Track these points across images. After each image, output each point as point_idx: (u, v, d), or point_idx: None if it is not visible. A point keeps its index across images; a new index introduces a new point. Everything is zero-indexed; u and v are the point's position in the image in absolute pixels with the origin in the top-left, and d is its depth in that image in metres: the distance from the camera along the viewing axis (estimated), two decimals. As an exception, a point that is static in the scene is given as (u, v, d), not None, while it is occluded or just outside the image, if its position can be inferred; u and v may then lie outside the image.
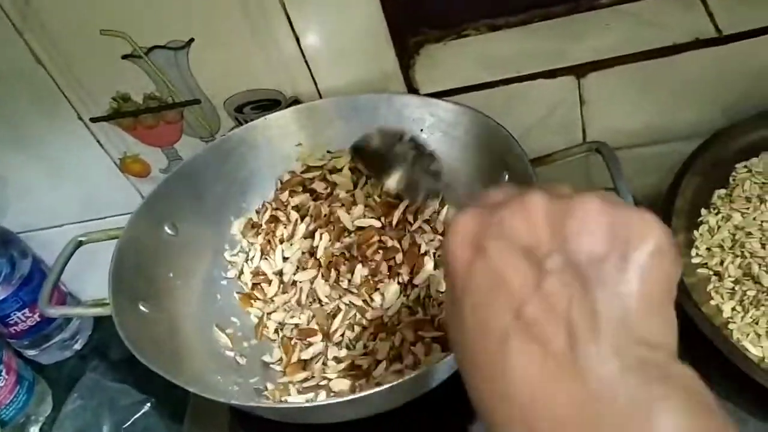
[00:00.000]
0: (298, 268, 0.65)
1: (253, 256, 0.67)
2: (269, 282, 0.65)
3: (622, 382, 0.26)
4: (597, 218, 0.29)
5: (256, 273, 0.66)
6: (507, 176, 0.59)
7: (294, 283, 0.65)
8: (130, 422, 0.75)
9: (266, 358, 0.62)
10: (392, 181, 0.60)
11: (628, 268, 0.28)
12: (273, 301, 0.65)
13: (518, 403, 0.27)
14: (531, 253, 0.28)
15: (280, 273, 0.66)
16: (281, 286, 0.65)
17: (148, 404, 0.76)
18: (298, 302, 0.63)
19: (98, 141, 0.74)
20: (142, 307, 0.57)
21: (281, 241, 0.66)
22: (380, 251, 0.62)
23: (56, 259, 0.63)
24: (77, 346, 0.86)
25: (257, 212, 0.69)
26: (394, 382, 0.45)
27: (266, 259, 0.67)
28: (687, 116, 0.70)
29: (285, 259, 0.66)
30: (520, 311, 0.27)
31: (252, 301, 0.65)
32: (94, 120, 0.72)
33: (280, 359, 0.61)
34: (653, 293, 0.28)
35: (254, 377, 0.60)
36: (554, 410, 0.26)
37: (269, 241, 0.66)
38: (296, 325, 0.62)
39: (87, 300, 0.91)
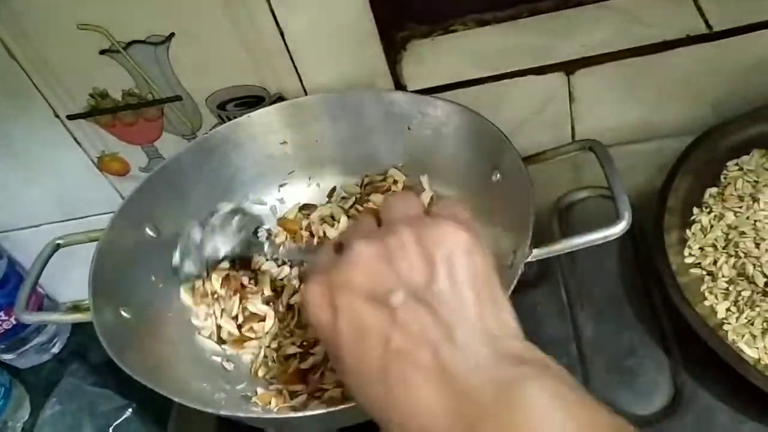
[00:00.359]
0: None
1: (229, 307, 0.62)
2: (262, 318, 0.61)
3: (485, 374, 0.30)
4: (412, 247, 0.34)
5: (243, 315, 0.62)
6: (499, 175, 0.58)
7: (290, 307, 0.62)
8: (111, 428, 0.73)
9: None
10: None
11: (453, 276, 0.33)
12: (267, 334, 0.61)
13: (412, 423, 0.31)
14: (376, 295, 0.33)
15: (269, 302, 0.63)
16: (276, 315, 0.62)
17: (130, 409, 0.74)
18: (298, 326, 0.60)
19: (75, 139, 0.71)
20: (123, 313, 0.56)
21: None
22: None
23: (33, 262, 0.61)
24: (55, 350, 0.84)
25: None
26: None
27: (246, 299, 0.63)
28: (677, 113, 0.69)
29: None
30: (387, 346, 0.32)
31: (244, 342, 0.61)
32: (70, 117, 0.69)
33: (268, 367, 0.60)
34: (481, 287, 0.34)
35: (242, 383, 0.58)
36: (437, 418, 0.30)
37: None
38: (299, 344, 0.59)
39: (65, 301, 0.89)
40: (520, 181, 0.54)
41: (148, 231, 0.62)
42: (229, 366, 0.60)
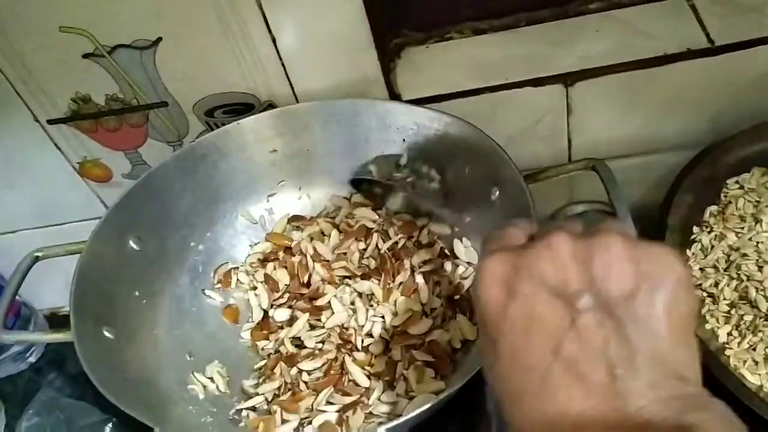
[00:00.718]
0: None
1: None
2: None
3: (661, 413, 0.27)
4: (621, 257, 0.30)
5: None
6: (498, 193, 0.56)
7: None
8: (91, 443, 0.70)
9: (247, 384, 0.59)
10: (393, 206, 0.63)
11: (656, 303, 0.30)
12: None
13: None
14: (562, 293, 0.30)
15: None
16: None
17: (110, 424, 0.71)
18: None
19: (56, 144, 0.69)
20: (106, 333, 0.53)
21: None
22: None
23: (11, 276, 0.58)
24: (32, 359, 0.81)
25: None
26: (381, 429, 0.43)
27: None
28: (675, 127, 0.68)
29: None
30: (559, 349, 0.29)
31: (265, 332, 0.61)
32: (51, 122, 0.67)
33: (258, 383, 0.58)
34: (679, 326, 0.30)
35: (230, 407, 0.56)
36: None
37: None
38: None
39: (42, 308, 0.86)
40: (520, 200, 0.53)
41: (132, 244, 0.60)
42: (221, 388, 0.57)
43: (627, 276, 0.30)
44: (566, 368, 0.29)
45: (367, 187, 0.64)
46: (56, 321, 0.86)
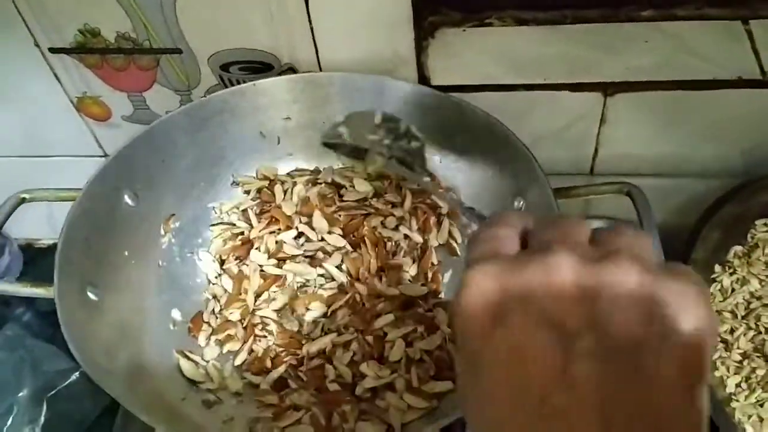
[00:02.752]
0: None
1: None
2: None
3: None
4: (633, 295, 0.25)
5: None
6: (522, 203, 0.53)
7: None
8: (54, 392, 0.67)
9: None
10: (372, 166, 0.59)
11: (667, 353, 0.24)
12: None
13: None
14: (557, 327, 0.25)
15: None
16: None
17: (77, 373, 0.68)
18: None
19: (55, 74, 0.64)
20: (90, 294, 0.50)
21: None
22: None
23: (-7, 215, 0.54)
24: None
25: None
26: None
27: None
28: (707, 154, 0.65)
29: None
30: (546, 398, 0.25)
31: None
32: (53, 50, 0.62)
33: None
34: (690, 381, 0.25)
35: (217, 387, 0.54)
36: None
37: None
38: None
39: (17, 238, 0.82)
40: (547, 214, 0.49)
41: (127, 198, 0.56)
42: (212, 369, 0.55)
43: (636, 317, 0.25)
44: (552, 420, 0.25)
45: (340, 147, 0.58)
46: (32, 253, 0.82)
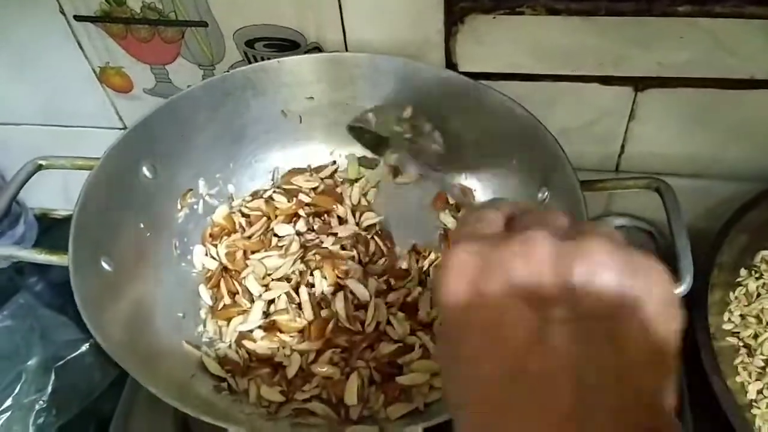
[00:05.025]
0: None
1: None
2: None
3: None
4: (605, 266, 0.26)
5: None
6: (547, 194, 0.52)
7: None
8: (62, 362, 0.67)
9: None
10: (389, 159, 0.57)
11: (637, 322, 0.26)
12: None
13: None
14: (534, 299, 0.26)
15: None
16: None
17: (87, 345, 0.68)
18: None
19: (78, 42, 0.63)
20: (104, 264, 0.49)
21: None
22: None
23: (10, 181, 0.54)
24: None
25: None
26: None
27: None
28: (737, 155, 0.64)
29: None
30: (523, 363, 0.26)
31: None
32: (78, 18, 0.61)
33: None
34: (660, 349, 0.27)
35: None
36: None
37: None
38: None
39: (33, 207, 0.82)
40: (572, 208, 0.48)
41: (145, 170, 0.55)
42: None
43: (608, 288, 0.26)
44: (528, 384, 0.26)
45: (363, 134, 0.58)
46: (47, 223, 0.82)
